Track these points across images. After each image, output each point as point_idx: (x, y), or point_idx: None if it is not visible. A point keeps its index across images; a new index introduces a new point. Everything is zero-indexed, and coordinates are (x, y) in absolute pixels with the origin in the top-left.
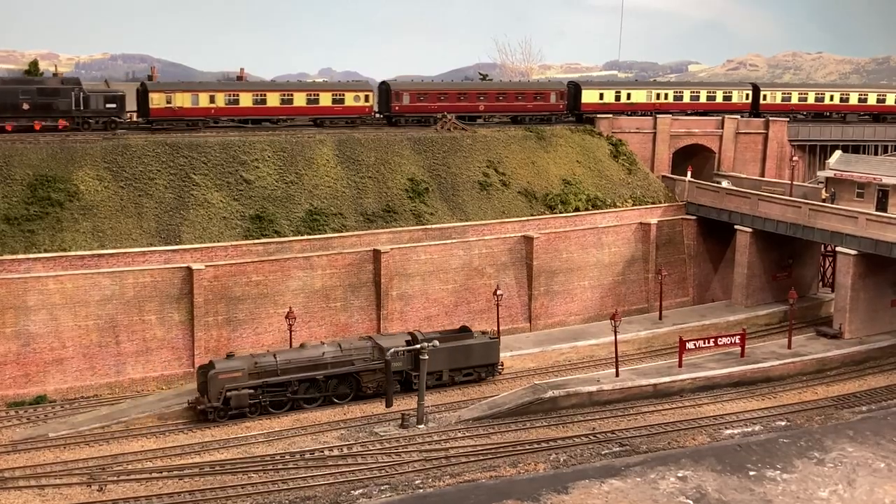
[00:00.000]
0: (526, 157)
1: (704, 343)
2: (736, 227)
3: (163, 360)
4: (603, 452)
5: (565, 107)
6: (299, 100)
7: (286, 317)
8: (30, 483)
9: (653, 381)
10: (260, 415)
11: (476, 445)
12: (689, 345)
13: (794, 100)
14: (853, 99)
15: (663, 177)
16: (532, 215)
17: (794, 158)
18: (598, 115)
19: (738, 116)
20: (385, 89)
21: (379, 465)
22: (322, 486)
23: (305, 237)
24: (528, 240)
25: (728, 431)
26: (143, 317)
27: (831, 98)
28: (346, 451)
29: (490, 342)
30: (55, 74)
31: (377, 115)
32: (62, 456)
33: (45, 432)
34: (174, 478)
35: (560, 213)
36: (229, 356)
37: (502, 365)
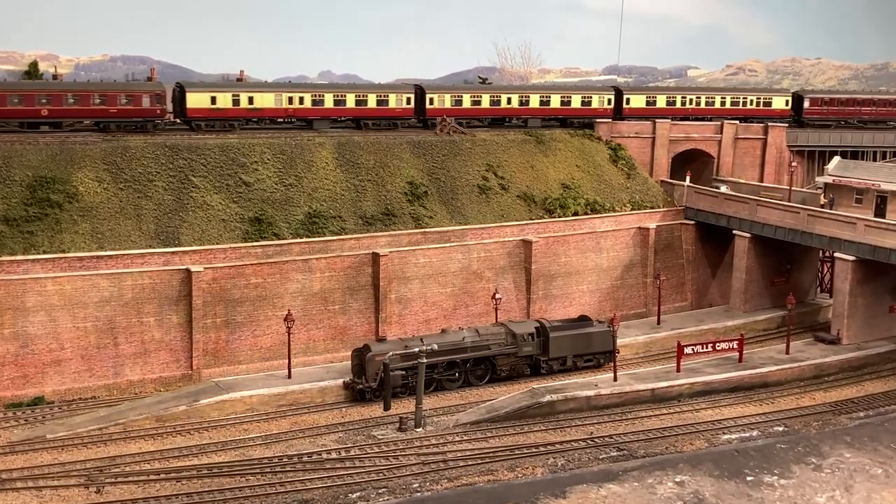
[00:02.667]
0: (525, 161)
1: (703, 348)
2: (734, 232)
3: (161, 362)
4: (601, 457)
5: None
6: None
7: (285, 319)
8: (27, 485)
9: (651, 385)
10: (409, 395)
11: (474, 449)
12: (688, 350)
13: (448, 104)
14: (534, 102)
15: (662, 181)
16: (531, 219)
17: (793, 164)
18: (598, 120)
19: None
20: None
21: (377, 468)
22: (320, 489)
23: (304, 240)
24: (527, 244)
25: (726, 436)
26: (141, 319)
27: (508, 101)
28: (343, 454)
29: (607, 330)
30: (55, 76)
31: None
32: (60, 457)
33: (42, 434)
34: (172, 480)
35: (559, 217)
36: (381, 340)
37: (618, 352)
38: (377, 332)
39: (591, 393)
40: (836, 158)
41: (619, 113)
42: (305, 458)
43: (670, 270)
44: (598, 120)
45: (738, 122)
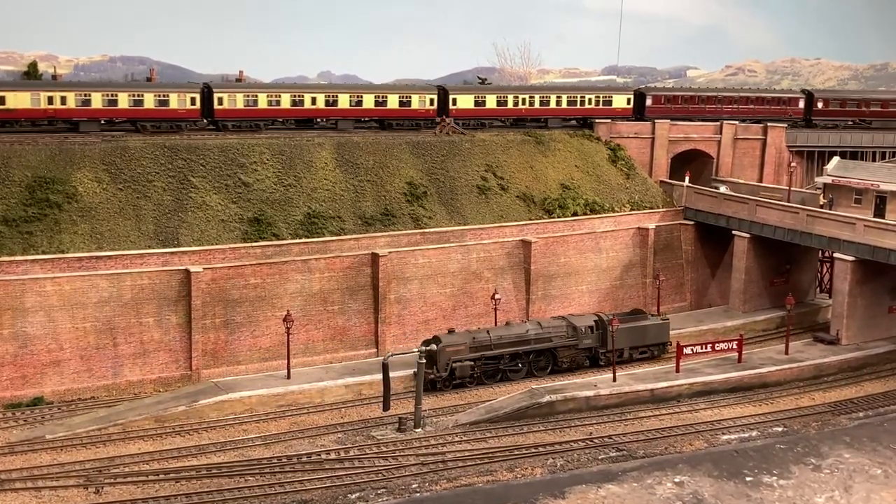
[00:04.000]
0: (524, 162)
1: (702, 348)
2: (734, 232)
3: (160, 363)
4: (600, 457)
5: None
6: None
7: (284, 320)
8: (26, 485)
9: (650, 386)
10: (477, 385)
11: (473, 450)
12: (687, 350)
13: (239, 104)
14: (343, 102)
15: (661, 182)
16: (530, 219)
17: (793, 164)
18: (598, 120)
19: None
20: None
21: (376, 468)
22: (319, 489)
23: (303, 240)
24: (527, 244)
25: (725, 437)
26: (140, 319)
27: (314, 101)
28: (343, 454)
29: (662, 323)
30: (54, 76)
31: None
32: (59, 458)
33: (41, 434)
34: (171, 480)
35: (558, 217)
36: (451, 332)
37: (671, 344)
38: (376, 332)
39: (590, 393)
40: (836, 159)
41: (444, 114)
42: (305, 459)
43: (670, 271)
44: (421, 121)
45: (576, 121)
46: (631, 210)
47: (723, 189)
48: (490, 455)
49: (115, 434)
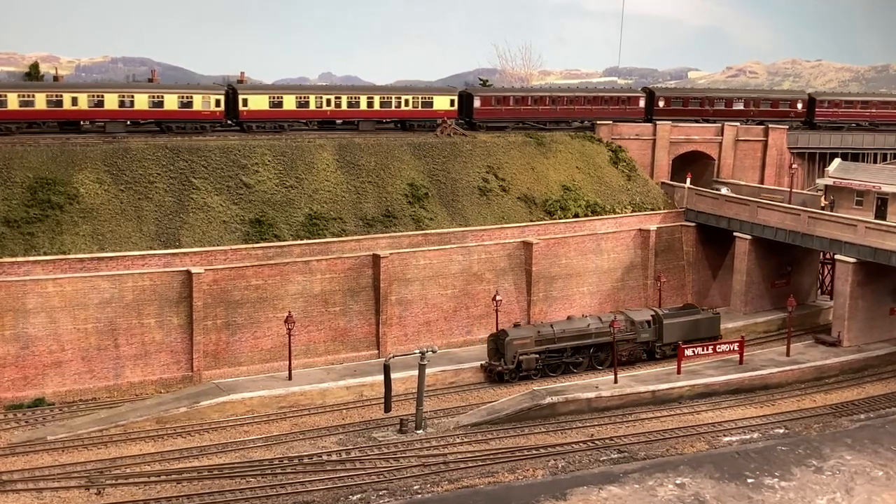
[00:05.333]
0: (526, 163)
1: (703, 350)
2: (735, 234)
3: (161, 364)
4: (601, 459)
5: None
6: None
7: (285, 321)
8: (27, 486)
9: (651, 387)
10: (541, 377)
11: (474, 451)
12: (688, 351)
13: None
14: (110, 103)
15: (662, 183)
16: (531, 221)
17: (794, 166)
18: (599, 122)
19: None
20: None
21: (377, 470)
22: (320, 490)
23: (305, 241)
24: (528, 245)
25: (726, 439)
26: (142, 320)
27: (74, 102)
28: (344, 455)
29: (713, 317)
30: (55, 77)
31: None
32: (60, 459)
33: (43, 435)
34: (172, 482)
35: (559, 218)
36: (516, 325)
37: (721, 337)
38: (378, 333)
39: (591, 395)
40: (837, 160)
41: (235, 116)
42: (306, 460)
43: (671, 272)
44: (207, 124)
45: (394, 124)
46: (632, 211)
47: (724, 191)
48: (491, 456)
49: (116, 435)
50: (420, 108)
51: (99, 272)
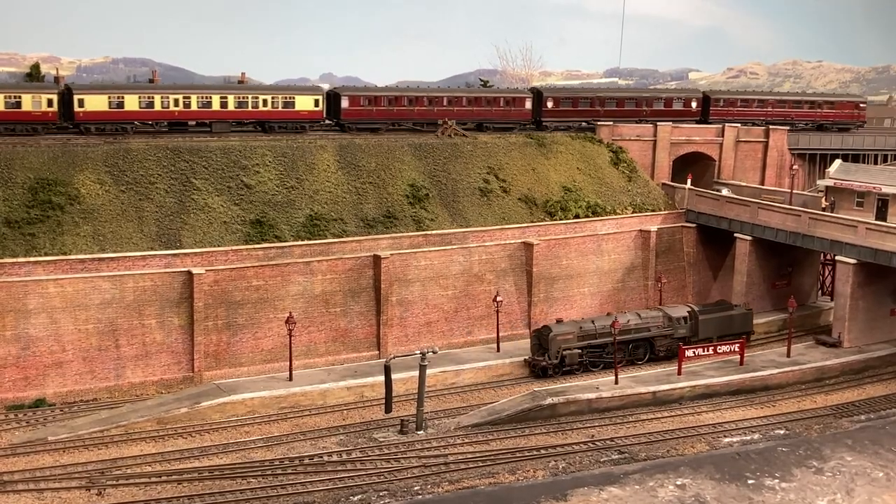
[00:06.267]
0: (526, 164)
1: (703, 351)
2: (735, 235)
3: (162, 365)
4: (602, 460)
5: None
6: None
7: (286, 322)
8: (28, 487)
9: (652, 388)
10: (583, 372)
11: (475, 452)
12: (688, 352)
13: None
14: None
15: (663, 184)
16: (532, 222)
17: (794, 167)
18: (599, 122)
19: None
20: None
21: (378, 470)
22: (321, 491)
23: (306, 242)
24: (528, 246)
25: (727, 439)
26: (142, 321)
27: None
28: (345, 456)
29: (746, 313)
30: (56, 79)
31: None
32: (61, 460)
33: (44, 436)
34: (173, 482)
35: (560, 219)
36: (559, 322)
37: (753, 332)
38: (378, 334)
39: (592, 396)
40: (838, 161)
41: (70, 118)
42: (307, 461)
43: (671, 273)
44: (39, 126)
45: (254, 126)
46: (633, 212)
47: (725, 192)
48: (492, 457)
49: (117, 436)
50: (281, 109)
51: (100, 273)
